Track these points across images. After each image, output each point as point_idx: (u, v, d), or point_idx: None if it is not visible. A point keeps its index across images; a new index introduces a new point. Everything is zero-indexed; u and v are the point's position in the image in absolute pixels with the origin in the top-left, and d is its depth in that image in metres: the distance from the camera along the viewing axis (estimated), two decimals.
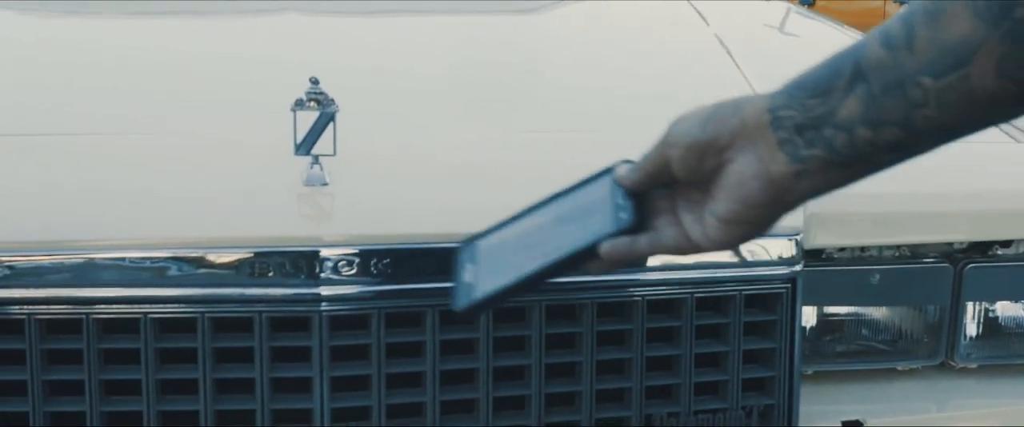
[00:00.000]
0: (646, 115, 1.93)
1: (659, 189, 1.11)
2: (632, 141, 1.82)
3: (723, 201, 1.04)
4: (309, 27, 2.21)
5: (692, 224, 1.08)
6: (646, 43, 2.41)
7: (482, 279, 1.18)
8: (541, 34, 2.38)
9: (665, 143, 1.08)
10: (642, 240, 1.10)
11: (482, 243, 1.23)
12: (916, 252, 1.83)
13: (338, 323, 1.51)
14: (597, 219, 1.11)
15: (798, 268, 1.63)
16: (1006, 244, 1.86)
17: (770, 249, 1.62)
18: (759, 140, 1.01)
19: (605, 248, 1.10)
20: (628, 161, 1.16)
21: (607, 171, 1.15)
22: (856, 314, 1.83)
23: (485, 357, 1.55)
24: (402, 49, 2.15)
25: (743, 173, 1.02)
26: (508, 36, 2.28)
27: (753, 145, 1.01)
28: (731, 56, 2.18)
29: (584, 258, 1.12)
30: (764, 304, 1.64)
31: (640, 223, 1.10)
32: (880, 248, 1.82)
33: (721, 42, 2.28)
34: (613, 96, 2.03)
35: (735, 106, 1.04)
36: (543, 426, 1.57)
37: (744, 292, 1.61)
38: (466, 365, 1.55)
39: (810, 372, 1.85)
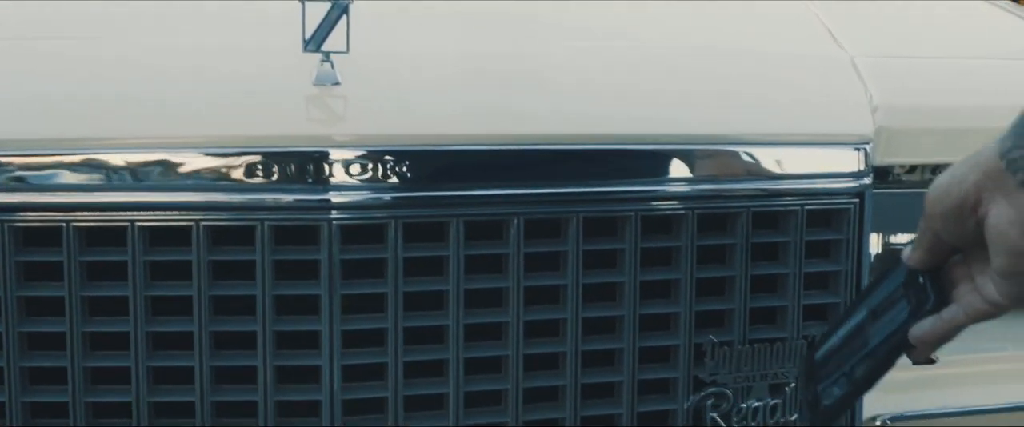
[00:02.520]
0: (677, 25, 1.77)
1: (955, 258, 1.10)
2: (650, 47, 1.66)
3: (996, 256, 1.03)
4: None
5: (985, 285, 1.07)
6: None
7: (824, 392, 1.19)
8: None
9: (925, 217, 1.08)
10: (945, 314, 1.09)
11: (817, 355, 1.21)
12: None
13: (350, 234, 1.35)
14: (901, 306, 1.13)
15: (867, 181, 1.46)
16: None
17: (835, 160, 1.45)
18: (1001, 187, 1.01)
19: (913, 333, 1.10)
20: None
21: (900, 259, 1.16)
22: None
23: (515, 276, 1.38)
24: None
25: (999, 224, 1.02)
26: None
27: (998, 194, 1.02)
28: None
29: (899, 349, 1.12)
30: (827, 222, 1.47)
31: (939, 300, 1.10)
32: None
33: None
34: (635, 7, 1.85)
35: (970, 162, 1.04)
36: (578, 352, 1.40)
37: (806, 207, 1.44)
38: (494, 284, 1.38)
39: None
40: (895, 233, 1.64)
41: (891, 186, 1.61)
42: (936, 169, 1.64)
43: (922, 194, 1.58)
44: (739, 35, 1.72)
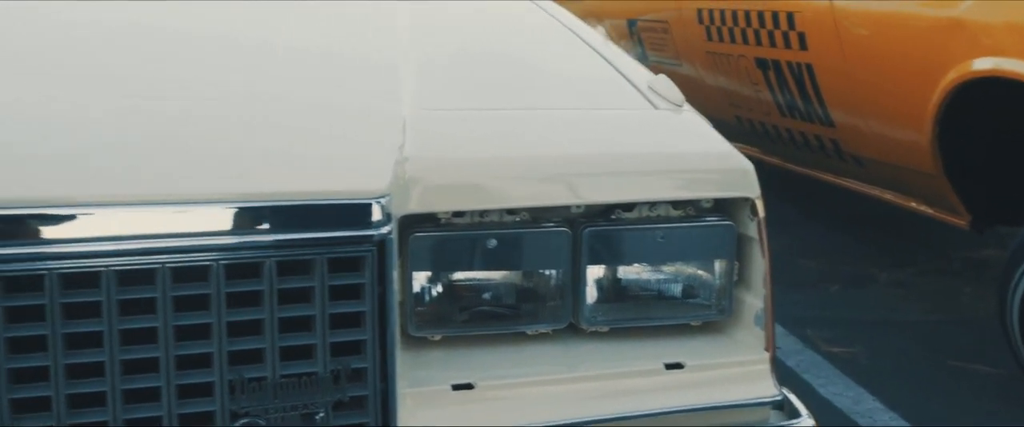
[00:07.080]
0: (238, 78, 1.95)
1: None
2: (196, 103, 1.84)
3: None
4: None
5: None
6: None
7: None
8: None
9: None
10: None
11: None
12: (537, 216, 1.85)
13: None
14: None
15: (384, 231, 1.63)
16: (628, 208, 1.89)
17: (353, 213, 1.63)
18: None
19: None
20: None
21: None
22: (477, 279, 1.84)
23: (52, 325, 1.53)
24: None
25: None
26: None
27: None
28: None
29: None
30: (353, 267, 1.64)
31: None
32: (501, 213, 1.84)
33: None
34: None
35: None
36: (118, 390, 1.55)
37: (327, 256, 1.61)
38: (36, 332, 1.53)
39: (438, 338, 1.86)
40: (451, 270, 1.83)
41: (442, 229, 1.80)
42: (483, 214, 1.83)
43: (470, 237, 1.79)
44: (310, 85, 1.91)
